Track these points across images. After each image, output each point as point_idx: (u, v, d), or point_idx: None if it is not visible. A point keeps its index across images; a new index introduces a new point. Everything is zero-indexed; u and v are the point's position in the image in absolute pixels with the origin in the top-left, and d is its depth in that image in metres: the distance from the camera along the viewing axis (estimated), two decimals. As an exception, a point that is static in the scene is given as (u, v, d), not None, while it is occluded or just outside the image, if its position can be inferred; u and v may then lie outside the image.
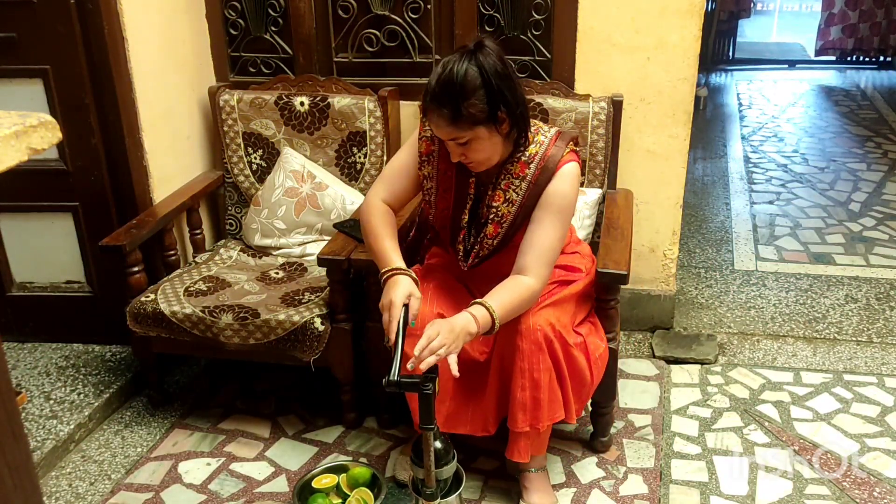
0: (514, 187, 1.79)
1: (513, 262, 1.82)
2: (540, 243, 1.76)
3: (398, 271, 1.76)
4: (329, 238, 2.30)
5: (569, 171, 1.77)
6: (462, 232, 1.88)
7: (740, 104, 6.35)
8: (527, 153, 1.78)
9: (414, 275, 1.77)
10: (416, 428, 1.74)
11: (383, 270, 1.78)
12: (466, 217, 1.86)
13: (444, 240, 1.96)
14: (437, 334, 1.60)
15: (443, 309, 1.86)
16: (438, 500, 1.66)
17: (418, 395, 1.56)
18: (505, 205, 1.81)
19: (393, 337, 1.65)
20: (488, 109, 1.65)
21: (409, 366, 1.60)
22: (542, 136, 1.79)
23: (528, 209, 1.79)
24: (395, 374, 1.55)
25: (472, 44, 1.67)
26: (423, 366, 1.59)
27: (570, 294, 1.92)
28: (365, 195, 1.94)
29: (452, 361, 1.63)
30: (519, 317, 1.78)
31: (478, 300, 1.73)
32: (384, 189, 1.90)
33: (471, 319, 1.67)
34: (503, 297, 1.73)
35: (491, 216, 1.83)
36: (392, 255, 1.79)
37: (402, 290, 1.70)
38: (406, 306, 1.69)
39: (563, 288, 1.93)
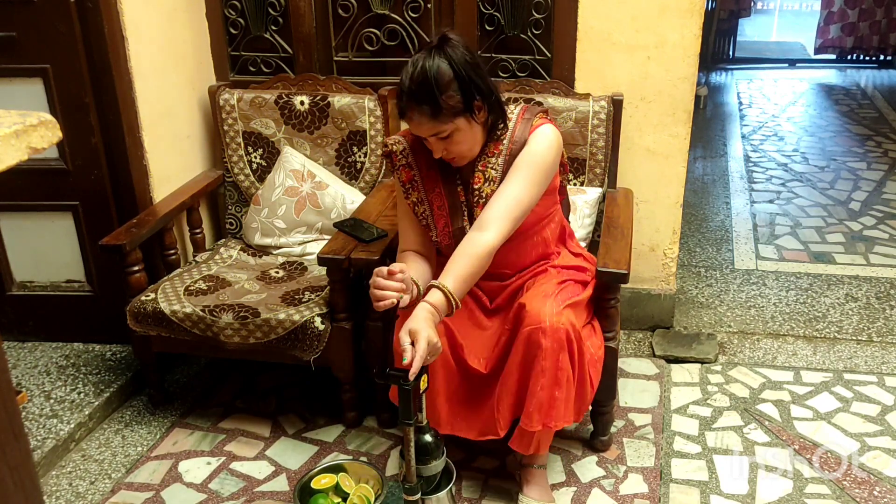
0: (491, 165, 1.82)
1: (516, 253, 1.84)
2: (505, 196, 1.77)
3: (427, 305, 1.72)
4: (329, 237, 2.30)
5: (542, 131, 1.81)
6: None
7: (740, 103, 6.35)
8: (496, 133, 1.82)
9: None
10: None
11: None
12: (467, 224, 1.86)
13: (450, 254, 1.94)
14: (419, 348, 1.58)
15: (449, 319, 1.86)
16: (430, 496, 1.67)
17: (398, 388, 1.57)
18: (486, 184, 1.83)
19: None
20: (464, 99, 1.69)
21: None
22: (510, 115, 1.84)
23: None
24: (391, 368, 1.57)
25: (436, 39, 1.71)
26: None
27: (583, 299, 1.93)
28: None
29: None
30: (541, 315, 1.78)
31: (434, 283, 1.71)
32: (406, 244, 1.93)
33: (432, 311, 1.65)
34: (458, 271, 1.72)
35: (475, 199, 1.84)
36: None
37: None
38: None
39: (578, 287, 1.95)
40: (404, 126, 2.61)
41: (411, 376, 1.55)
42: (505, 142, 1.81)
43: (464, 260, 1.73)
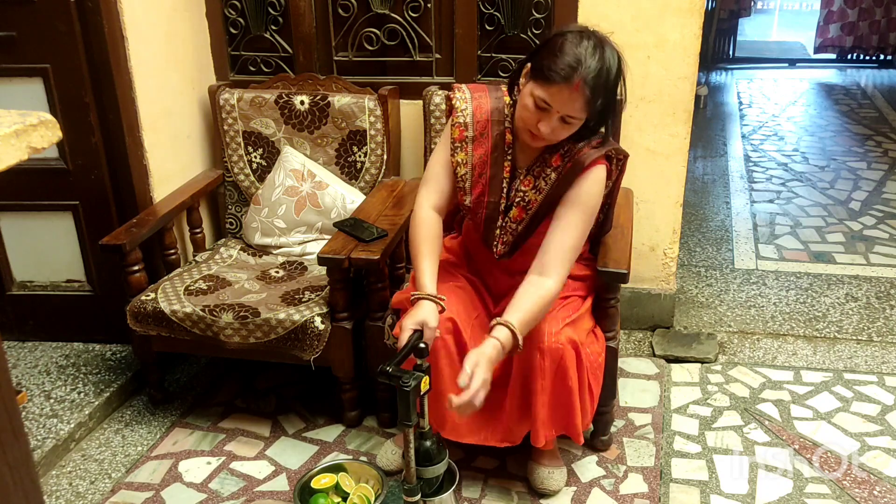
0: (544, 175, 1.82)
1: (530, 260, 1.83)
2: (563, 243, 1.78)
3: (425, 297, 1.76)
4: (329, 237, 2.30)
5: (598, 173, 1.79)
6: (501, 217, 1.88)
7: (740, 103, 6.35)
8: (565, 146, 1.80)
9: (440, 302, 1.77)
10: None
11: (413, 294, 1.79)
12: (504, 201, 1.86)
13: (477, 225, 1.94)
14: (478, 377, 1.61)
15: (455, 313, 1.86)
16: (433, 498, 1.67)
17: (398, 390, 1.56)
18: (533, 191, 1.83)
19: (401, 344, 1.67)
20: (609, 105, 1.69)
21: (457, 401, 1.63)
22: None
23: (553, 199, 1.81)
24: (389, 365, 1.57)
25: (596, 34, 1.67)
26: (478, 401, 1.63)
27: (582, 313, 1.94)
28: (416, 202, 1.92)
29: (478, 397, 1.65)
30: (541, 334, 1.79)
31: (499, 320, 1.71)
32: (432, 193, 1.90)
33: (499, 348, 1.68)
34: (523, 309, 1.73)
35: (517, 200, 1.85)
36: (426, 278, 1.80)
37: (417, 319, 1.71)
38: (420, 332, 1.70)
39: (581, 302, 1.96)
40: (411, 123, 2.63)
41: (460, 400, 1.60)
42: (565, 159, 1.79)
43: (529, 304, 1.74)
